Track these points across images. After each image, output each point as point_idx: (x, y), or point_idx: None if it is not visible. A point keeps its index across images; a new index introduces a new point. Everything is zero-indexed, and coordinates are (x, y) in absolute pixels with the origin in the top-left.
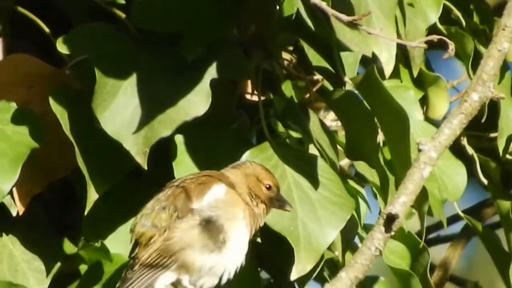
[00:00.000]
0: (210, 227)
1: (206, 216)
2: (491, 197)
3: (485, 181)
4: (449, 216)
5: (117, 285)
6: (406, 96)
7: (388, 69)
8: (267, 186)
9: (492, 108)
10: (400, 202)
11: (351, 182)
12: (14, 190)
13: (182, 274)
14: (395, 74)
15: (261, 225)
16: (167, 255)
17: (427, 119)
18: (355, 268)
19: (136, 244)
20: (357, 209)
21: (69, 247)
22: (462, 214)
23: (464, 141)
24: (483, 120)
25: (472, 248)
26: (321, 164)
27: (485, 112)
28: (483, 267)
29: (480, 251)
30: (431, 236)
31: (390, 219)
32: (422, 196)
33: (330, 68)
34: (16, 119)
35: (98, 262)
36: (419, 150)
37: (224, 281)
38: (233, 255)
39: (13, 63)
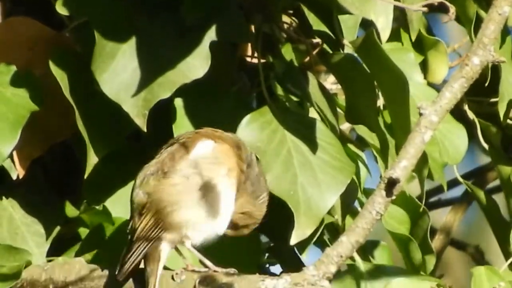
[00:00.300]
0: (195, 185)
1: (189, 174)
2: (492, 162)
3: (486, 146)
4: (450, 179)
5: (122, 255)
6: (406, 59)
7: (384, 35)
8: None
9: (493, 73)
10: (401, 167)
11: (351, 146)
12: (14, 153)
13: (178, 236)
14: (396, 37)
15: None
16: (158, 217)
17: (427, 83)
18: (356, 232)
19: (135, 215)
20: (357, 173)
21: (70, 211)
22: (461, 180)
23: (465, 106)
24: (486, 85)
25: (474, 212)
26: (320, 127)
27: (488, 76)
28: (484, 231)
29: (481, 215)
30: (432, 200)
31: (391, 183)
32: (422, 160)
33: (329, 32)
34: (16, 82)
35: (100, 225)
36: (420, 114)
37: (214, 238)
38: (219, 213)
39: (13, 26)
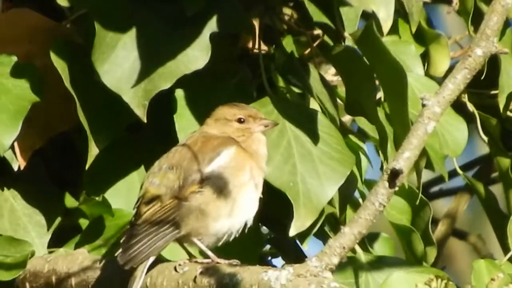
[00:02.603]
0: (219, 194)
1: (214, 183)
2: (491, 154)
3: (485, 138)
4: (451, 169)
5: (122, 240)
6: (407, 51)
7: (386, 26)
8: (240, 119)
9: (493, 65)
10: (404, 157)
11: (352, 137)
12: (15, 144)
13: (193, 237)
14: (397, 30)
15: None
16: (176, 218)
17: (428, 75)
18: (359, 223)
19: (142, 201)
20: (358, 164)
21: (70, 201)
22: (461, 172)
23: (465, 98)
24: (482, 77)
25: (476, 201)
26: (321, 119)
27: (484, 69)
28: (487, 221)
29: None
30: (433, 190)
31: (394, 174)
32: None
33: (330, 23)
34: (17, 73)
35: (100, 217)
36: (423, 105)
37: (231, 238)
38: (242, 218)
39: (14, 17)
